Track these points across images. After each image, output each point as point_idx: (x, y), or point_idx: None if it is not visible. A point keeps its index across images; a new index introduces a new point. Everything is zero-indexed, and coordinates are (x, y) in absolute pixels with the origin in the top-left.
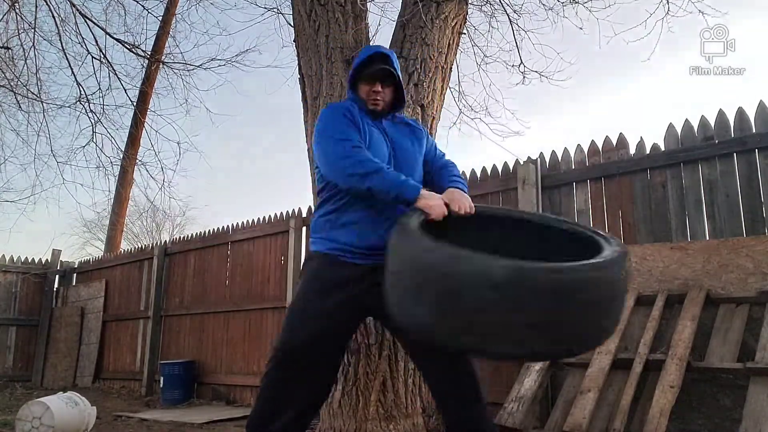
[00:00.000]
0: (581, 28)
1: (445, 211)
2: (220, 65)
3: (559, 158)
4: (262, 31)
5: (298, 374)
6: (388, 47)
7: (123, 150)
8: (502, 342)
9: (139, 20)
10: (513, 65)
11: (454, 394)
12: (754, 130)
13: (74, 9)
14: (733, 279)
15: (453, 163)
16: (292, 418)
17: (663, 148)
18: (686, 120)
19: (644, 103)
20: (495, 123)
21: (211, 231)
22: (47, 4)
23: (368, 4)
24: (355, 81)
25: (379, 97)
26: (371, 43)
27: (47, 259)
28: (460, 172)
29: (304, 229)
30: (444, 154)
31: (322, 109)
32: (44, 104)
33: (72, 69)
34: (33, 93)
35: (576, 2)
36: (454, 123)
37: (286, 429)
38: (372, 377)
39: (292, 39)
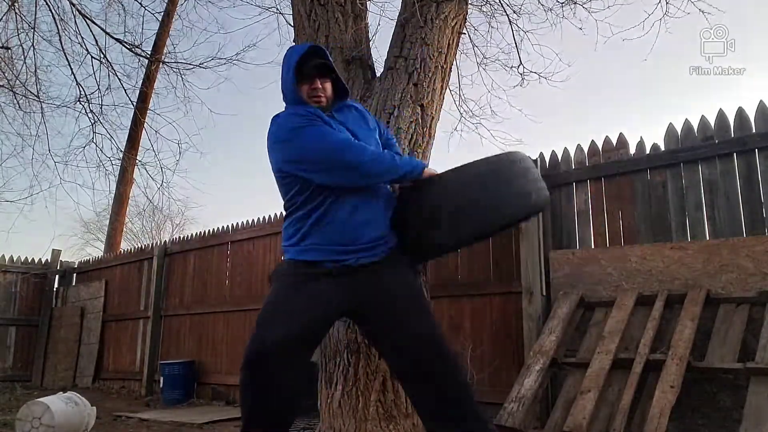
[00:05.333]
0: (581, 29)
1: None
2: (219, 64)
3: (559, 158)
4: (262, 31)
5: (271, 376)
6: (388, 47)
7: (123, 150)
8: None
9: (139, 20)
10: (512, 66)
11: (441, 394)
12: (754, 130)
13: (74, 8)
14: (733, 279)
15: (395, 142)
16: (271, 424)
17: (663, 148)
18: (686, 120)
19: (644, 103)
20: (496, 129)
21: (211, 231)
22: (47, 3)
23: (368, 3)
24: (294, 85)
25: (320, 93)
26: (371, 43)
27: (47, 259)
28: None
29: None
30: (388, 130)
31: (278, 121)
32: (43, 104)
33: (71, 69)
34: (32, 93)
35: (575, 3)
36: (455, 128)
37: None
38: (372, 377)
39: (292, 39)
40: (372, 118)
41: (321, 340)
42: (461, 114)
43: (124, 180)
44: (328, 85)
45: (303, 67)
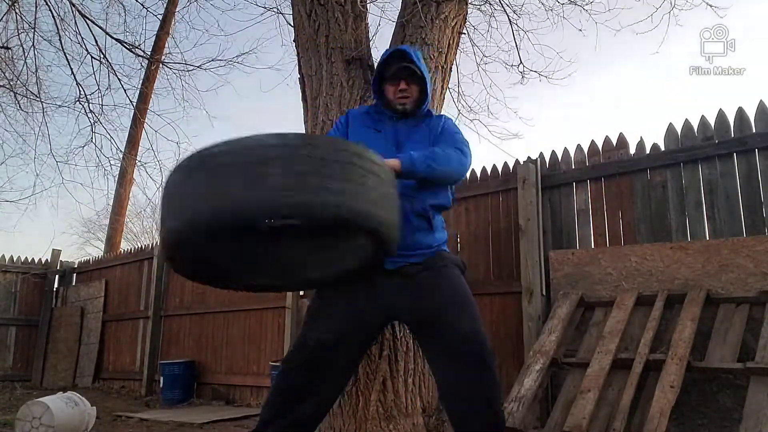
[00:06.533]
0: (581, 30)
1: None
2: (219, 66)
3: (559, 158)
4: (263, 31)
5: (310, 372)
6: (388, 47)
7: (122, 150)
8: None
9: (139, 20)
10: (512, 65)
11: (466, 397)
12: (754, 130)
13: (74, 8)
14: (733, 279)
15: (460, 146)
16: (297, 420)
17: (663, 148)
18: (686, 120)
19: (645, 103)
20: (494, 125)
21: None
22: (47, 3)
23: (368, 4)
24: (381, 84)
25: (406, 94)
26: (371, 43)
27: (47, 259)
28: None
29: None
30: (454, 137)
31: None
32: (43, 104)
33: (72, 69)
34: (32, 93)
35: (574, 4)
36: None
37: (290, 429)
38: (372, 377)
39: (292, 39)
40: (440, 130)
41: (371, 339)
42: (458, 111)
43: (124, 180)
44: (415, 88)
45: (388, 69)
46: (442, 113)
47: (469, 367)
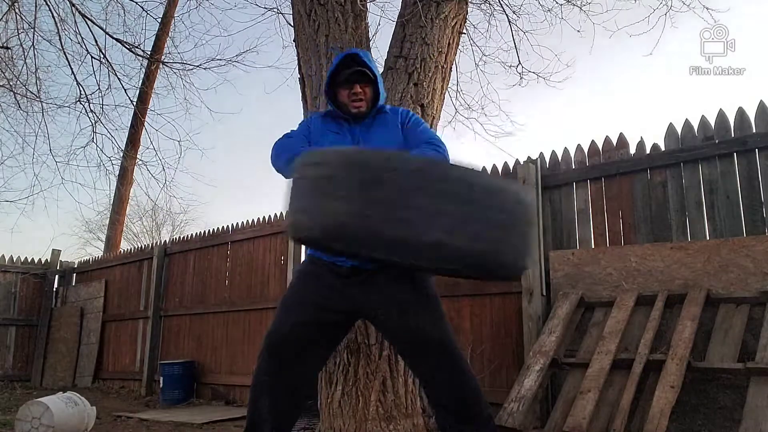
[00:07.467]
0: (579, 31)
1: None
2: (219, 65)
3: (559, 158)
4: (263, 32)
5: (285, 366)
6: (388, 47)
7: (123, 149)
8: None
9: (139, 20)
10: (511, 66)
11: (449, 394)
12: (754, 130)
13: (74, 8)
14: (733, 279)
15: (436, 142)
16: (281, 414)
17: (663, 148)
18: (686, 120)
19: (644, 103)
20: (490, 123)
21: (211, 231)
22: (47, 3)
23: (368, 3)
24: (334, 89)
25: (361, 98)
26: (371, 43)
27: (47, 259)
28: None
29: None
30: (426, 133)
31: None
32: (44, 104)
33: (72, 69)
34: (32, 93)
35: (572, 4)
36: (449, 122)
37: (279, 427)
38: (372, 377)
39: (292, 39)
40: (407, 121)
41: (338, 336)
42: (455, 109)
43: (125, 180)
44: (369, 90)
45: (340, 74)
46: (403, 108)
47: (450, 374)
